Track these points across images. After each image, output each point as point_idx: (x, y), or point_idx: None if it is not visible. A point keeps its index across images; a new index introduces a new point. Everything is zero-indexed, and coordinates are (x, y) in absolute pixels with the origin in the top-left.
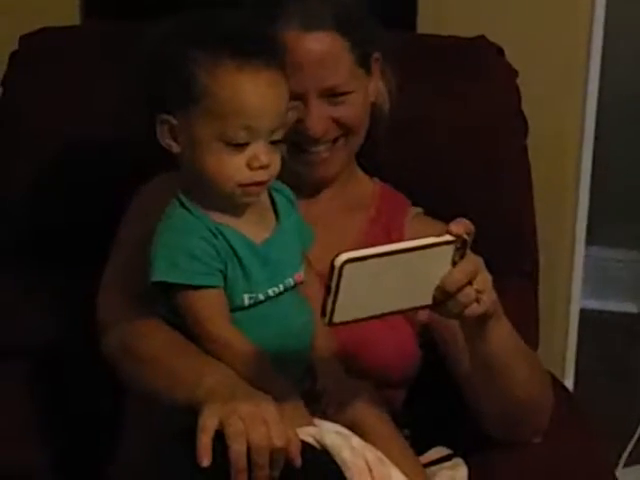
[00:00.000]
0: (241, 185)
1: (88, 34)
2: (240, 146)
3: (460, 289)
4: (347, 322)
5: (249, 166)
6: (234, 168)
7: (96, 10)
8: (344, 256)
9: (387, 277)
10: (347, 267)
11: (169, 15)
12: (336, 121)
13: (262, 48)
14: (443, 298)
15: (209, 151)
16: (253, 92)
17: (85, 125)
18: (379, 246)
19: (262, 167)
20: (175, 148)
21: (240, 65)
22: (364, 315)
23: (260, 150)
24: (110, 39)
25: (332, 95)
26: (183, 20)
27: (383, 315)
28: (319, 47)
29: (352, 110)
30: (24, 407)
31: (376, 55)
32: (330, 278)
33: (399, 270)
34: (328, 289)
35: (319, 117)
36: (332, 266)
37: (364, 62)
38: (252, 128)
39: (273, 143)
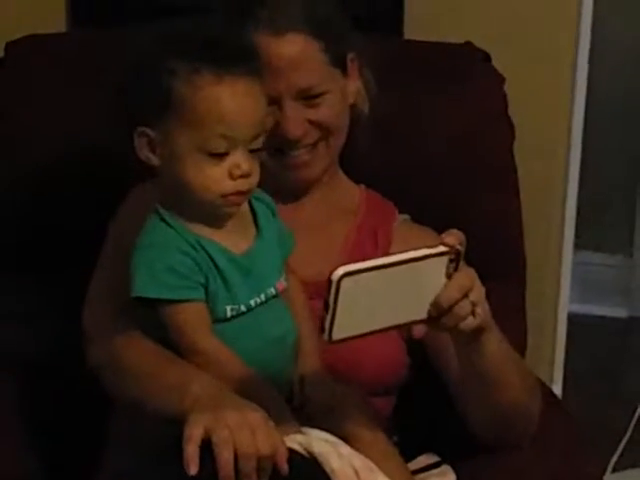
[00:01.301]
0: (223, 195)
1: (74, 41)
2: (220, 156)
3: (456, 303)
4: (346, 339)
5: (231, 175)
6: (215, 179)
7: (82, 17)
8: (341, 270)
9: (383, 291)
10: (344, 281)
11: (155, 22)
12: (314, 123)
13: (240, 57)
14: (438, 314)
15: (189, 163)
16: (232, 101)
17: (70, 133)
18: (375, 259)
19: (243, 176)
20: (154, 161)
21: (218, 75)
22: (362, 331)
23: (240, 158)
24: (96, 46)
25: (308, 97)
26: (161, 31)
27: (381, 330)
28: (290, 50)
29: (329, 111)
30: (12, 417)
31: (351, 55)
32: (328, 293)
33: (394, 283)
34: (326, 305)
35: (296, 119)
36: (329, 281)
37: (339, 62)
38: (231, 137)
39: (252, 152)
